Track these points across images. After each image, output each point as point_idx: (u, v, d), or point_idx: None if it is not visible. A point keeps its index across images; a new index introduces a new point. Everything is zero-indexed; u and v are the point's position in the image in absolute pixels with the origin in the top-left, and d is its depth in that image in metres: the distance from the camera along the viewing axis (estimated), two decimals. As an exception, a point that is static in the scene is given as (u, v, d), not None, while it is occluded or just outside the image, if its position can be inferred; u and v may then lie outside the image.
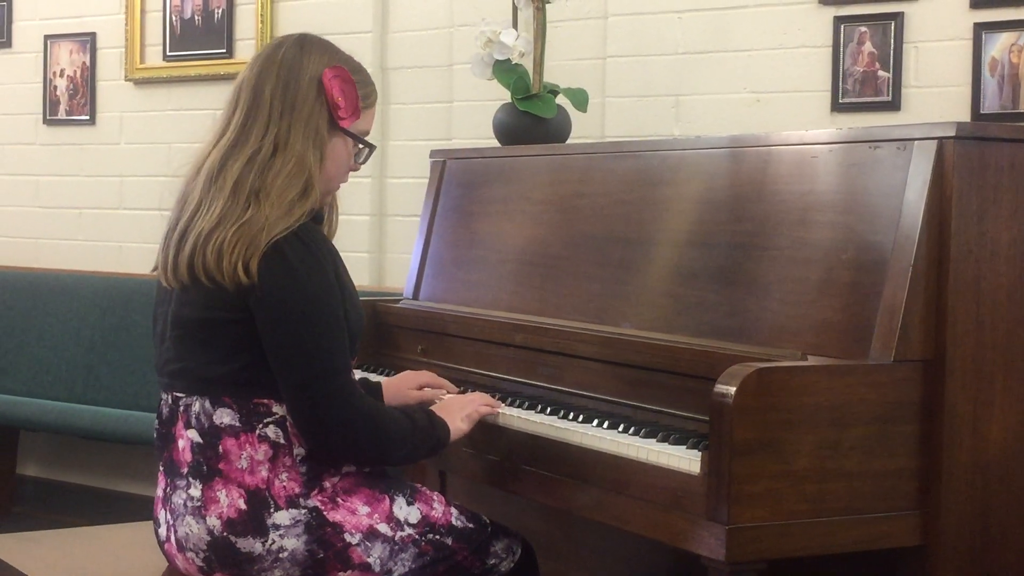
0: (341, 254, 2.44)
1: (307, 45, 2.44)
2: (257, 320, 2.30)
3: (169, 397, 2.42)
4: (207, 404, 2.35)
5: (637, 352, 2.53)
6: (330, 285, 2.33)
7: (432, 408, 2.52)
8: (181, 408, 2.38)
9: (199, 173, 2.39)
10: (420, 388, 2.78)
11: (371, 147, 2.51)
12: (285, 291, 2.28)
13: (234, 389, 2.34)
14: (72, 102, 5.37)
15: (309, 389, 2.29)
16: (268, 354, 2.31)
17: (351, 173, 2.52)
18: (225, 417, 2.34)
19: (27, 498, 5.29)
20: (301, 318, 2.28)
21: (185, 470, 2.37)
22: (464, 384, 2.87)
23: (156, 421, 2.46)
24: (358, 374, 2.87)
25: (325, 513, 2.34)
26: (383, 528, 2.38)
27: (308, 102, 2.38)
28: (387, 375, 3.00)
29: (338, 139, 2.43)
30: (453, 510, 2.48)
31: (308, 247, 2.32)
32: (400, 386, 2.76)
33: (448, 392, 2.78)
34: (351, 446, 2.34)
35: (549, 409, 2.61)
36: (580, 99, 3.58)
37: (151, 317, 2.52)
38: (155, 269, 2.46)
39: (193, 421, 2.36)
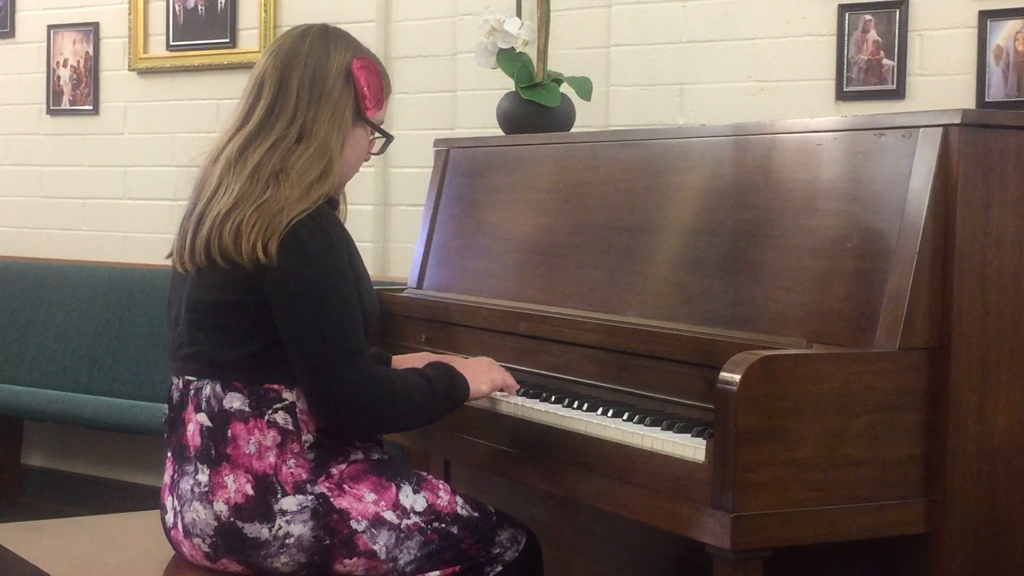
0: (346, 244, 2.45)
1: (332, 36, 2.48)
2: (272, 303, 2.32)
3: (180, 381, 2.43)
4: (218, 388, 2.36)
5: (642, 340, 2.52)
6: (344, 268, 2.36)
7: (455, 365, 2.52)
8: (192, 392, 2.39)
9: (217, 160, 2.42)
10: None
11: (390, 137, 2.55)
12: (301, 274, 2.30)
13: (245, 373, 2.35)
14: (75, 92, 5.37)
15: (325, 371, 2.30)
16: (283, 337, 2.32)
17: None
18: (235, 402, 2.35)
19: (32, 488, 5.30)
20: (317, 300, 2.30)
21: (193, 454, 2.38)
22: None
23: (166, 407, 2.48)
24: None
25: (332, 499, 2.35)
26: (389, 516, 2.38)
27: (335, 92, 2.43)
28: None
29: (360, 129, 2.49)
30: (458, 499, 2.49)
31: (325, 230, 2.34)
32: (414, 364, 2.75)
33: None
34: (372, 423, 2.38)
35: (553, 398, 2.61)
36: (584, 88, 3.57)
37: (164, 304, 2.55)
38: (170, 255, 2.49)
39: (203, 405, 2.37)
